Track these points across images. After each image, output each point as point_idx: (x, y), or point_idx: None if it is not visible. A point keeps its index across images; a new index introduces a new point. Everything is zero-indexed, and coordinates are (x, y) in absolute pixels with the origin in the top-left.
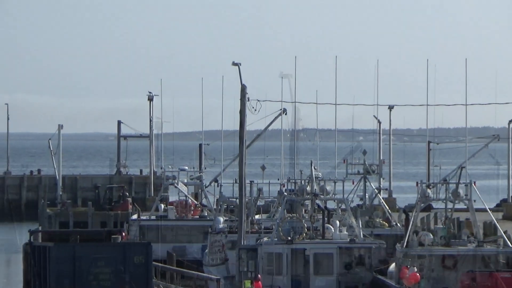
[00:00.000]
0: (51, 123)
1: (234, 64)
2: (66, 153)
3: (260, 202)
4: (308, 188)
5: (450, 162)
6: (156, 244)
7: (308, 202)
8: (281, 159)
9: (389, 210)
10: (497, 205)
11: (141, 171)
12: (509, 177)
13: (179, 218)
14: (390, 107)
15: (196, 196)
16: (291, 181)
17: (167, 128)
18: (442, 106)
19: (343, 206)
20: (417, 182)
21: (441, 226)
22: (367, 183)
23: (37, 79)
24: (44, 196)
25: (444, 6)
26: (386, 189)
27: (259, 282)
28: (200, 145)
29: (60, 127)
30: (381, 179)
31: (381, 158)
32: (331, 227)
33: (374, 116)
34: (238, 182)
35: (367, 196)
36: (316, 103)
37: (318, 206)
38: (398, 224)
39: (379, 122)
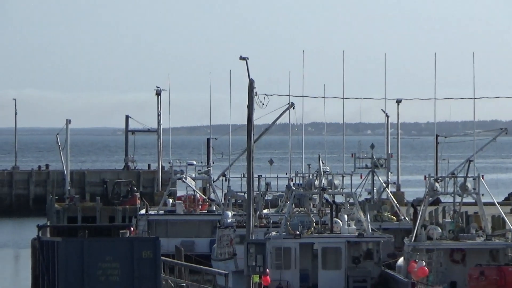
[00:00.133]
0: (59, 118)
1: (242, 58)
2: (75, 148)
3: (268, 197)
4: (316, 182)
5: (458, 155)
6: (164, 238)
7: (316, 196)
8: (289, 153)
9: (397, 204)
10: (506, 199)
11: (149, 165)
12: None
13: (187, 213)
14: (398, 101)
15: (204, 190)
16: (299, 175)
17: (175, 122)
18: (450, 100)
19: (351, 200)
20: (425, 176)
21: (449, 220)
22: (375, 177)
23: (45, 74)
24: (52, 191)
25: (451, 0)
26: (394, 183)
27: (268, 276)
28: (208, 140)
29: (68, 121)
30: (389, 173)
31: (389, 152)
32: (339, 221)
33: (382, 110)
34: (246, 176)
35: (375, 190)
36: (324, 97)
37: (326, 200)
38: (406, 218)
39: (387, 116)
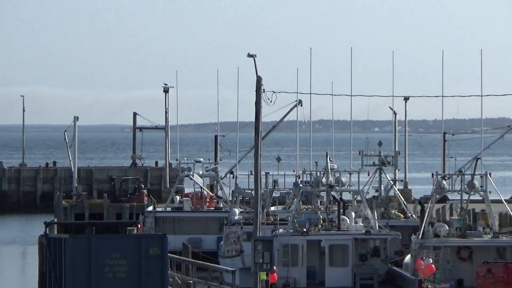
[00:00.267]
0: (67, 115)
1: (250, 55)
2: (82, 145)
3: (276, 194)
4: (324, 180)
5: (466, 153)
6: (172, 235)
7: (323, 194)
8: (297, 151)
9: (405, 202)
10: None
11: (156, 163)
12: None
13: (194, 210)
14: (406, 98)
15: (211, 187)
16: (306, 172)
17: (183, 119)
18: (457, 97)
19: (359, 198)
20: (432, 174)
21: (457, 217)
22: (383, 175)
23: (53, 71)
24: (60, 188)
25: None
26: (402, 181)
27: (275, 273)
28: (216, 137)
29: (76, 119)
30: (397, 170)
31: (397, 149)
32: (347, 218)
33: (389, 107)
34: (253, 173)
35: (382, 188)
36: (332, 94)
37: (334, 197)
38: (414, 216)
39: (395, 113)
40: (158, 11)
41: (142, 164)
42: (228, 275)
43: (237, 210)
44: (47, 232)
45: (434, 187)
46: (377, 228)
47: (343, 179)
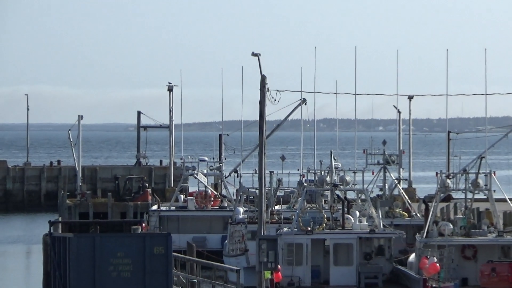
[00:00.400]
0: (71, 113)
1: (254, 54)
2: (87, 144)
3: (280, 193)
4: (328, 179)
5: (470, 152)
6: (176, 234)
7: (328, 193)
8: (301, 149)
9: (409, 200)
10: None
11: (160, 161)
12: None
13: (198, 209)
14: (410, 97)
15: (216, 186)
16: (311, 171)
17: (187, 118)
18: (462, 96)
19: (363, 197)
20: (436, 172)
21: (461, 216)
22: (387, 173)
23: (57, 70)
24: (64, 187)
25: None
26: (406, 179)
27: (279, 272)
28: (220, 136)
29: (80, 117)
30: (401, 169)
31: (401, 148)
32: (351, 217)
33: (394, 106)
34: (258, 172)
35: (387, 186)
36: (336, 93)
37: (338, 196)
38: (418, 214)
39: (399, 112)
40: (162, 10)
41: (147, 163)
42: (232, 274)
43: (241, 209)
44: (52, 231)
45: (439, 186)
46: (382, 227)
47: (348, 178)
